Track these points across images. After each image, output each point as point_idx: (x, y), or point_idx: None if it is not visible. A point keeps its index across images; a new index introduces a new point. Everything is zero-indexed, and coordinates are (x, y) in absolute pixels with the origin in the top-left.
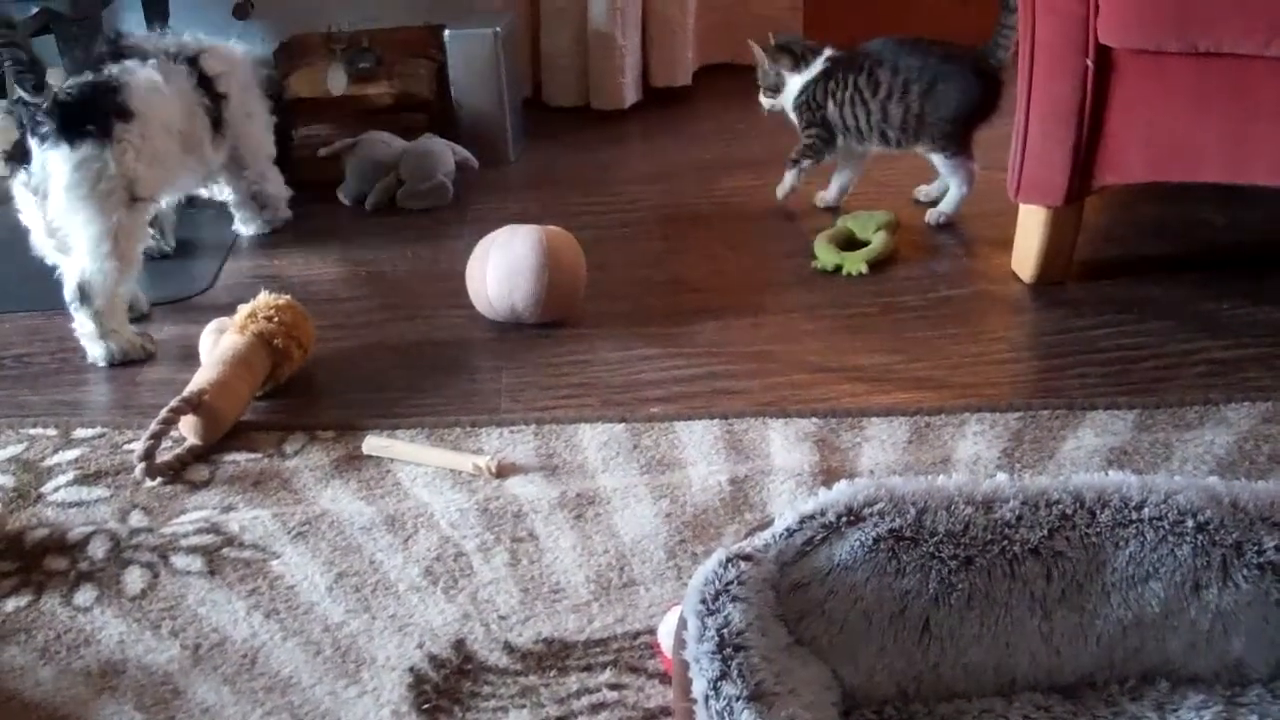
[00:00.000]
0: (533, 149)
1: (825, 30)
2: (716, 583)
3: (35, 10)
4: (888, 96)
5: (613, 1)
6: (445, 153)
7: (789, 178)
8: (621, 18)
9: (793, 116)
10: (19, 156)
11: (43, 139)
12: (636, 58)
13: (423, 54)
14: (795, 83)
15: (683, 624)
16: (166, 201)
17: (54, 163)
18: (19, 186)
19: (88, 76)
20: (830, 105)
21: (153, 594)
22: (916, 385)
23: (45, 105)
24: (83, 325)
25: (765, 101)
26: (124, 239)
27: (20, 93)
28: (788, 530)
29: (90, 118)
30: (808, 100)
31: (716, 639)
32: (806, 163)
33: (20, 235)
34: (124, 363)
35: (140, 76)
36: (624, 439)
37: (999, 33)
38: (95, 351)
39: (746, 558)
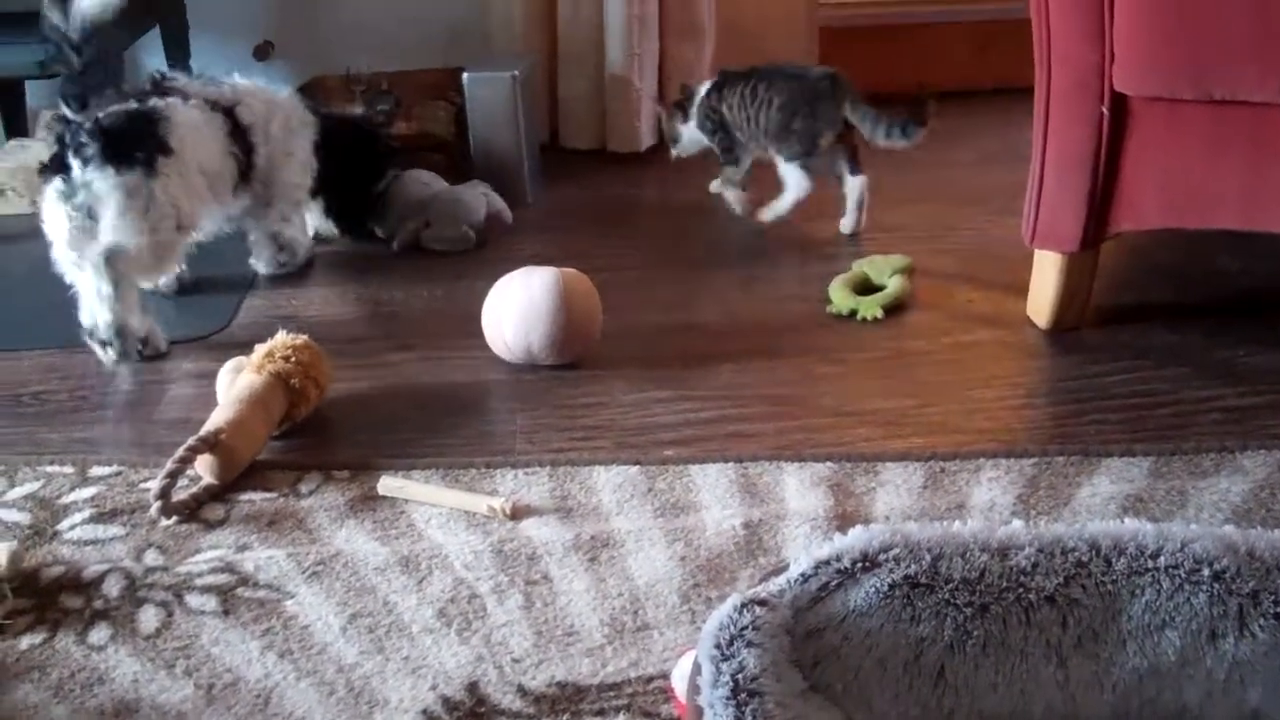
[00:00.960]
0: (550, 191)
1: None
2: (731, 628)
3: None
4: (760, 107)
5: (630, 46)
6: (478, 202)
7: (729, 195)
8: (638, 62)
9: (703, 143)
10: (55, 168)
11: (85, 160)
12: (653, 101)
13: (442, 97)
14: (695, 103)
15: (697, 669)
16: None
17: (100, 185)
18: (52, 194)
19: (131, 105)
20: (724, 108)
21: (167, 633)
22: (931, 430)
23: (88, 126)
24: (99, 309)
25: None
26: (165, 248)
27: (64, 108)
28: (803, 576)
29: (135, 145)
30: (707, 114)
31: (731, 684)
32: (730, 170)
33: (37, 271)
34: (143, 357)
35: (181, 115)
36: (639, 481)
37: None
38: (108, 353)
39: (761, 603)
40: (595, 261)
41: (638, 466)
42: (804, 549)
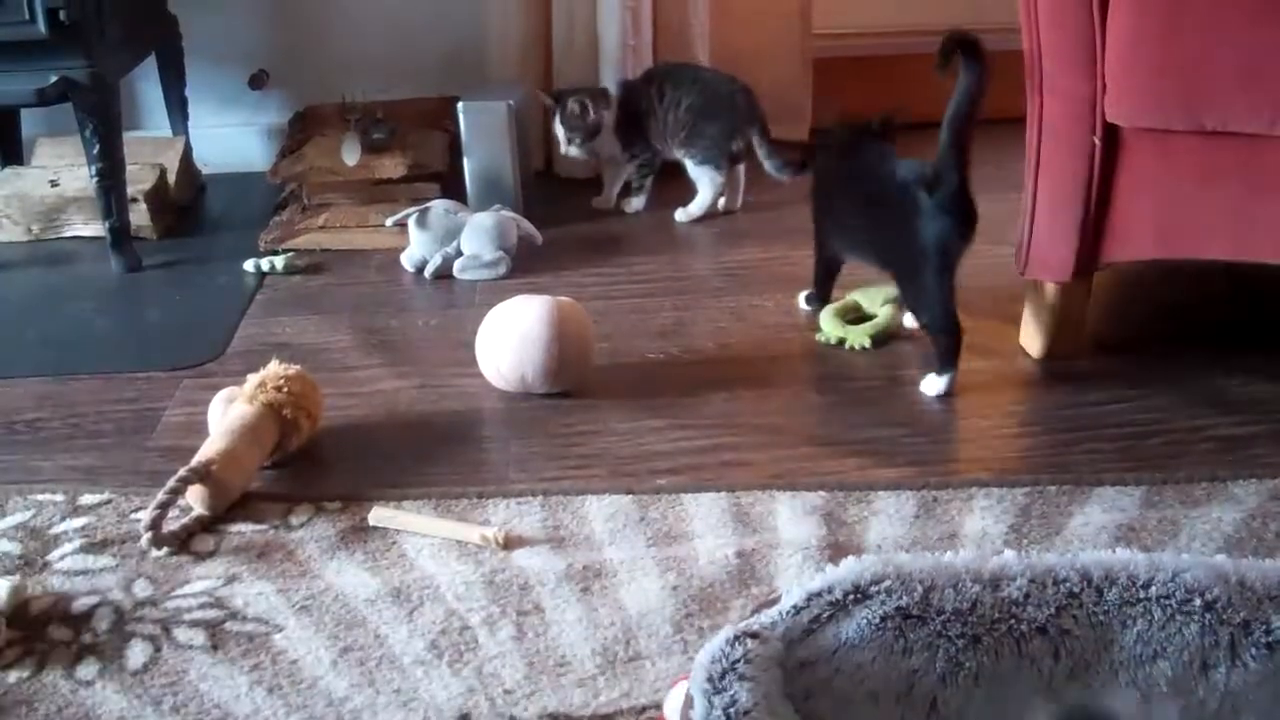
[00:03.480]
0: (543, 220)
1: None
2: (724, 661)
3: (54, 79)
4: (669, 108)
5: (624, 76)
6: (510, 226)
7: (635, 201)
8: None
9: (607, 150)
10: None
11: None
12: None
13: (436, 125)
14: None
15: (689, 702)
16: None
17: None
18: None
19: None
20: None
21: (155, 668)
22: (924, 459)
23: None
24: None
25: (574, 150)
26: None
27: None
28: (794, 608)
29: None
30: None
31: (723, 717)
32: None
33: (31, 299)
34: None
35: None
36: (631, 511)
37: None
38: None
39: (753, 635)
40: (589, 290)
41: (630, 496)
42: (796, 579)
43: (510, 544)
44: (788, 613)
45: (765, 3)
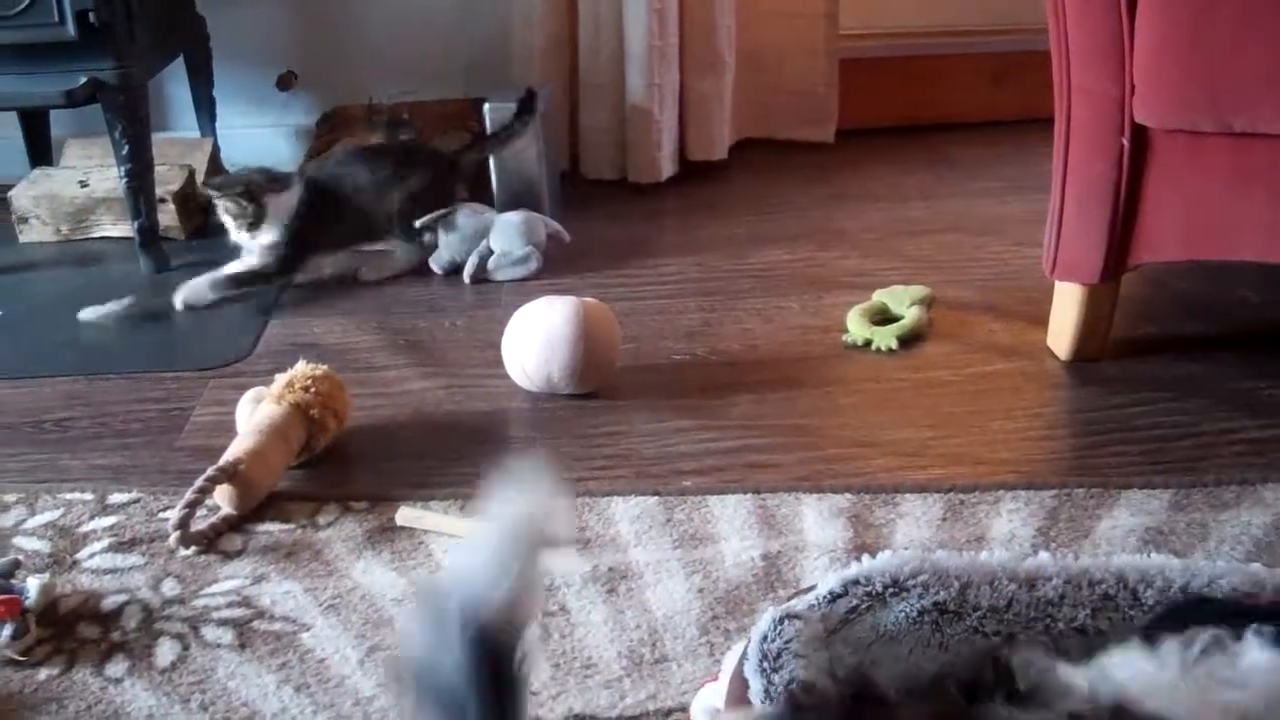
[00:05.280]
0: (569, 221)
1: (862, 108)
2: (778, 639)
3: (83, 81)
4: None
5: (650, 77)
6: (537, 223)
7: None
8: (659, 93)
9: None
10: None
11: None
12: (673, 132)
13: (462, 126)
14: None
15: (742, 687)
16: None
17: None
18: None
19: None
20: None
21: (183, 666)
22: (951, 461)
23: None
24: None
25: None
26: None
27: None
28: (831, 594)
29: None
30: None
31: (786, 695)
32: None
33: (61, 299)
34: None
35: None
36: (657, 513)
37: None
38: None
39: (797, 616)
40: (615, 291)
41: (656, 497)
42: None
43: None
44: (824, 599)
45: (793, 3)
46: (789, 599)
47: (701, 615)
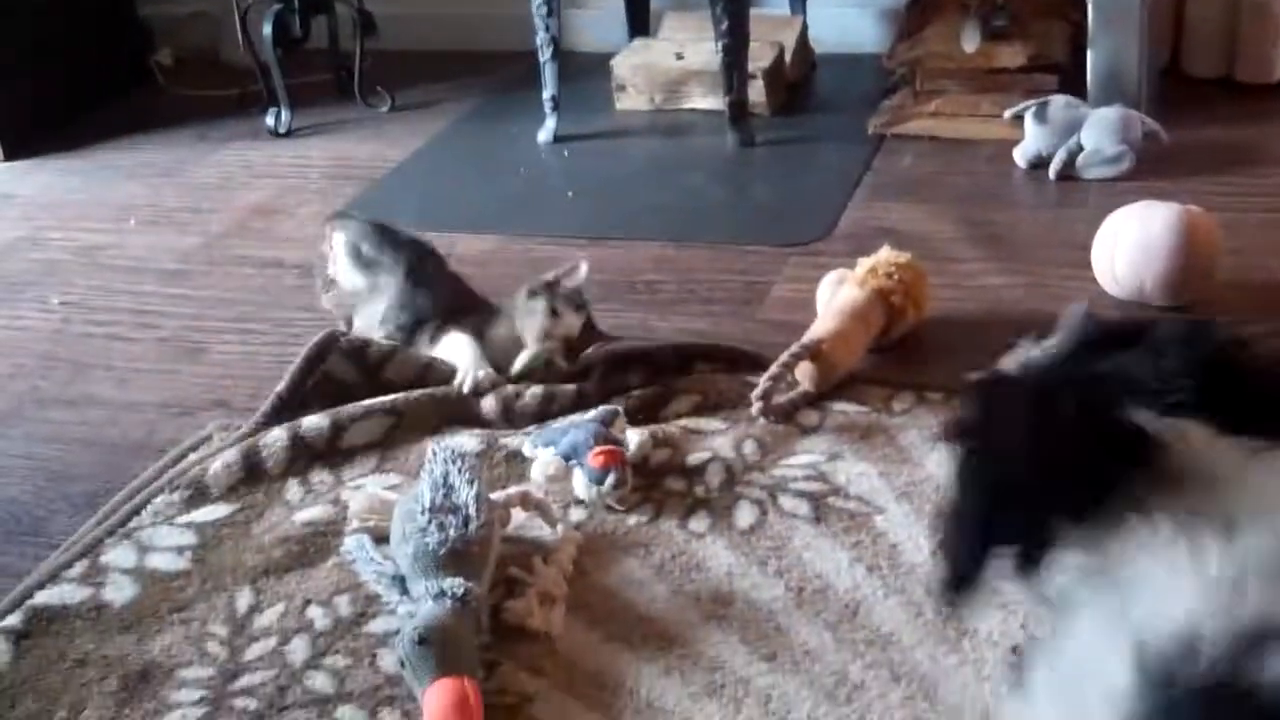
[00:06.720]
0: (1168, 120)
1: None
2: None
3: None
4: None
5: None
6: (1134, 120)
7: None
8: None
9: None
10: None
11: None
12: None
13: (1060, 15)
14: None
15: None
16: None
17: None
18: None
19: None
20: None
21: (761, 531)
22: None
23: None
24: None
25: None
26: None
27: None
28: None
29: None
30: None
31: None
32: None
33: (654, 166)
34: None
35: None
36: None
37: None
38: None
39: None
40: (1215, 200)
41: None
42: None
43: None
44: None
45: None
46: None
47: None
